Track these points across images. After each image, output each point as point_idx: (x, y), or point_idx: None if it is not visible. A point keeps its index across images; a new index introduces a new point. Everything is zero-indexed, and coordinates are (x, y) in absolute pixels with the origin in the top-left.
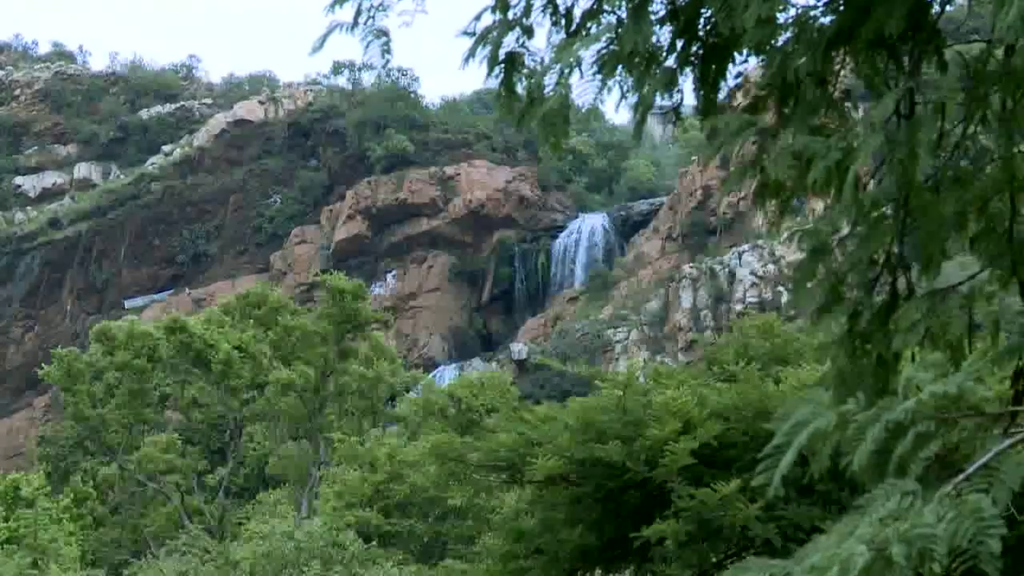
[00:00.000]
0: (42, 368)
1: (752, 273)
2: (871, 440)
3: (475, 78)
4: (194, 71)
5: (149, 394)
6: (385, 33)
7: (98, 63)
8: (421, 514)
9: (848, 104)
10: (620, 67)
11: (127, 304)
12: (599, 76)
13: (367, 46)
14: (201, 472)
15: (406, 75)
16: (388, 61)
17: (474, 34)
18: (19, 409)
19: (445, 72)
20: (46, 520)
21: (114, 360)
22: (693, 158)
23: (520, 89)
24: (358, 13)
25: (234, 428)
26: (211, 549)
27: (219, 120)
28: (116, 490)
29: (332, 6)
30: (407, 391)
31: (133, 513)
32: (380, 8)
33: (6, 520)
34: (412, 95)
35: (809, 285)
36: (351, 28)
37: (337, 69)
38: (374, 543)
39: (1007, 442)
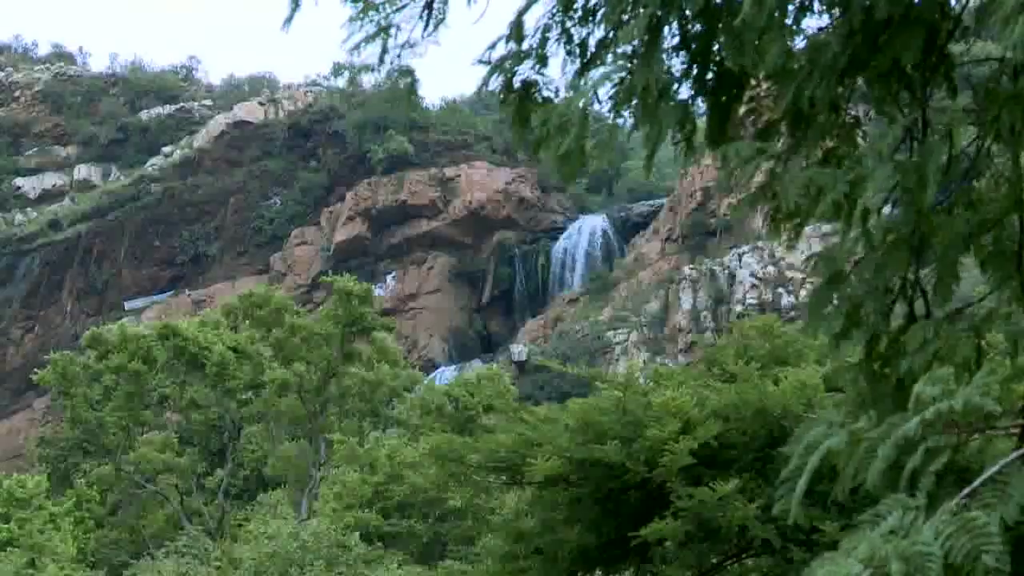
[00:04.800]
0: (41, 370)
1: (752, 274)
2: (882, 457)
3: (475, 79)
4: (194, 72)
5: (147, 396)
6: (411, 72)
7: (98, 64)
8: (421, 515)
9: (858, 129)
10: (634, 99)
11: (127, 305)
12: (613, 111)
13: (395, 83)
14: (200, 474)
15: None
16: (415, 102)
17: (489, 63)
18: (19, 410)
19: (445, 73)
20: (43, 519)
21: (109, 364)
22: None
23: (534, 120)
24: (383, 52)
25: (232, 429)
26: (211, 550)
27: (219, 121)
28: (115, 491)
29: (357, 47)
30: (406, 390)
31: (132, 514)
32: (406, 46)
33: (6, 522)
34: (412, 96)
35: (825, 311)
36: (377, 68)
37: (337, 70)
38: (379, 544)
39: (1015, 454)
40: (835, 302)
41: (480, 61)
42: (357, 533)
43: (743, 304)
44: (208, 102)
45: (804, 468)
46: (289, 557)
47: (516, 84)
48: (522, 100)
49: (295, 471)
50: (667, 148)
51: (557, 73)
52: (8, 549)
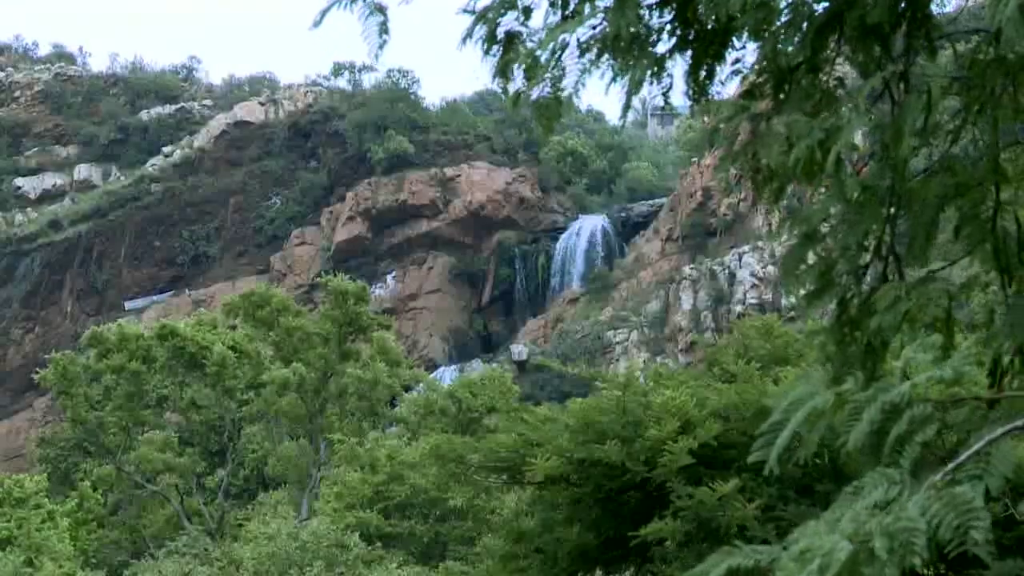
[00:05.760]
0: (42, 370)
1: (752, 274)
2: (867, 421)
3: (475, 79)
4: (194, 72)
5: (147, 396)
6: (383, 10)
7: (98, 64)
8: (421, 515)
9: (842, 92)
10: (610, 49)
11: (127, 305)
12: (587, 58)
13: (366, 21)
14: (200, 474)
15: (406, 76)
16: (386, 41)
17: (473, 12)
18: (19, 410)
19: (446, 73)
20: (42, 518)
21: (109, 364)
22: (693, 159)
23: (516, 69)
24: None
25: (232, 429)
26: (211, 550)
27: (219, 121)
28: (115, 491)
29: None
30: (406, 390)
31: (132, 514)
32: None
33: (7, 521)
34: (412, 96)
35: (799, 271)
36: (350, 3)
37: (337, 70)
38: (379, 544)
39: (1000, 430)
40: (809, 261)
41: (464, 10)
42: (357, 533)
43: (743, 304)
44: (208, 102)
45: (785, 424)
46: (289, 557)
47: (499, 35)
48: (505, 51)
49: (295, 471)
50: (668, 149)
51: (541, 26)
52: (7, 549)
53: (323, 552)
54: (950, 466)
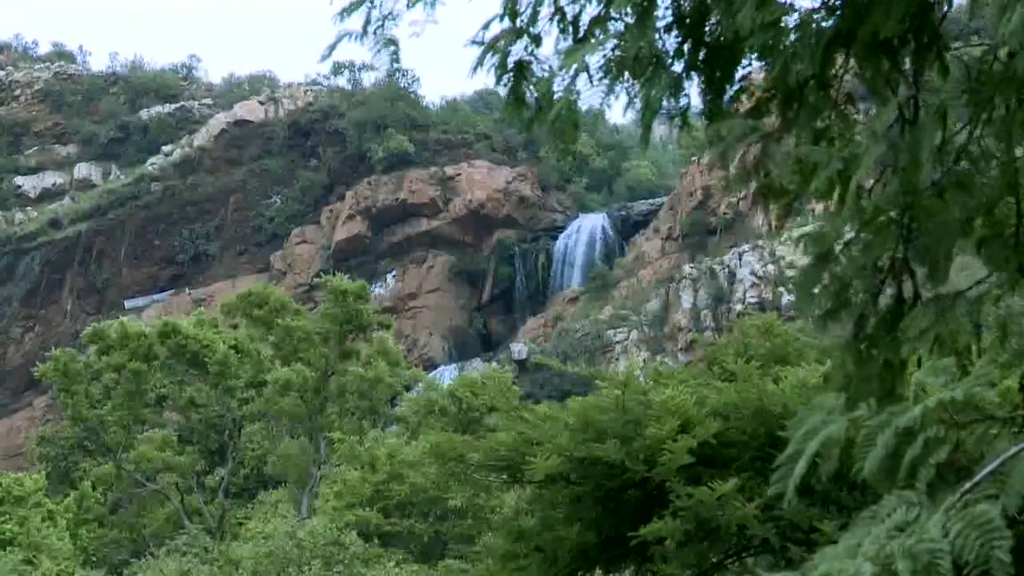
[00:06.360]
0: (39, 367)
1: (752, 273)
2: (882, 446)
3: (475, 78)
4: (194, 71)
5: (147, 395)
6: (394, 42)
7: (98, 63)
8: (421, 514)
9: (852, 108)
10: (626, 72)
11: (127, 304)
12: (605, 81)
13: (376, 55)
14: (200, 472)
15: (406, 75)
16: (397, 70)
17: (482, 43)
18: (19, 409)
19: (446, 72)
20: (42, 516)
21: (110, 361)
22: (693, 158)
23: (529, 96)
24: (367, 22)
25: (232, 428)
26: (211, 548)
27: (219, 120)
28: (115, 490)
29: (341, 14)
30: (407, 389)
31: (132, 513)
32: (389, 17)
33: (7, 520)
34: (412, 95)
35: (814, 291)
36: (360, 37)
37: (337, 69)
38: (376, 542)
39: (1015, 448)
40: (824, 281)
41: (474, 42)
42: (354, 532)
43: (743, 303)
44: (208, 101)
45: (801, 454)
46: (287, 556)
47: (510, 64)
48: (516, 80)
49: (296, 470)
50: (667, 148)
51: (551, 53)
52: (8, 548)
53: (320, 551)
54: (967, 486)
